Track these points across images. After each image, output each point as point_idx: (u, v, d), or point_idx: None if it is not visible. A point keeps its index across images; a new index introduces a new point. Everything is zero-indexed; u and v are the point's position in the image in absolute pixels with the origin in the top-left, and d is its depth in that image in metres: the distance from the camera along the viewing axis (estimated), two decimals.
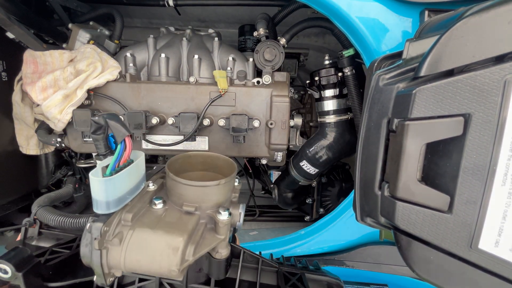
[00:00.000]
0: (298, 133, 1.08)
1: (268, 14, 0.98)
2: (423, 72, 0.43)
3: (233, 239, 0.60)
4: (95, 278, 0.46)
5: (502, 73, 0.38)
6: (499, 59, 0.39)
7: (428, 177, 0.44)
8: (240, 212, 0.53)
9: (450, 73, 0.42)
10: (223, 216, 0.48)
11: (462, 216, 0.42)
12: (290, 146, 1.06)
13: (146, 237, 0.44)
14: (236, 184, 0.59)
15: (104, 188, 0.45)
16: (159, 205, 0.51)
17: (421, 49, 0.53)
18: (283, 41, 0.92)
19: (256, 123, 0.89)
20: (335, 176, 1.21)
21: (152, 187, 0.56)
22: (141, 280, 0.54)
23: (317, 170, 1.06)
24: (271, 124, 0.91)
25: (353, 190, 0.59)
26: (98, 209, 0.45)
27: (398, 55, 0.60)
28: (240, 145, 0.95)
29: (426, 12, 0.67)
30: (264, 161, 1.02)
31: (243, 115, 0.88)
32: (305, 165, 1.06)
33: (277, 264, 0.60)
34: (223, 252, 0.50)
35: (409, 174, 0.44)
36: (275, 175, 1.33)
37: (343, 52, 0.92)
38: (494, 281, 0.42)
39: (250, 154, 0.98)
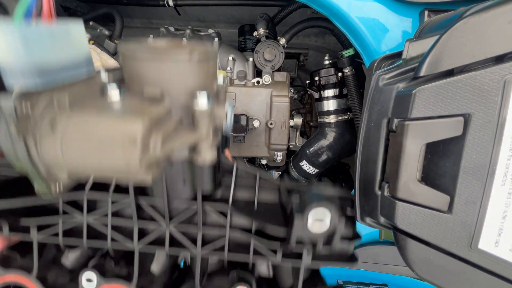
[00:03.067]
0: (298, 133, 1.08)
1: (268, 14, 0.98)
2: (423, 72, 0.43)
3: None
4: (35, 186, 0.34)
5: (502, 73, 0.38)
6: (499, 59, 0.39)
7: (428, 177, 0.44)
8: (226, 111, 0.39)
9: (450, 73, 0.42)
10: (200, 101, 0.34)
11: (462, 216, 0.42)
12: (290, 146, 1.07)
13: (91, 122, 0.30)
14: (220, 81, 0.44)
15: (15, 42, 0.29)
16: (113, 92, 0.34)
17: (421, 49, 0.53)
18: (283, 41, 0.92)
19: (256, 123, 0.89)
20: (335, 176, 1.21)
21: (105, 75, 0.41)
22: (112, 202, 0.45)
23: (317, 170, 1.06)
24: (271, 124, 0.91)
25: (353, 190, 0.59)
26: (9, 78, 0.31)
27: (398, 55, 0.60)
28: (240, 145, 0.95)
29: (426, 12, 0.67)
30: (264, 161, 1.02)
31: (243, 115, 0.88)
32: (305, 165, 1.06)
33: (277, 181, 0.52)
34: (207, 155, 0.39)
35: (409, 174, 0.44)
36: (275, 175, 1.33)
37: (343, 52, 0.92)
38: (494, 281, 0.42)
39: (250, 154, 0.98)
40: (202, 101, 0.35)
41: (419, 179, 0.45)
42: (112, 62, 0.91)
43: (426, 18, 0.67)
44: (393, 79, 0.51)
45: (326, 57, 1.01)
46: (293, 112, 1.10)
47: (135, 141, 0.29)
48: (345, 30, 0.80)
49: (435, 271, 0.46)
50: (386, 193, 0.48)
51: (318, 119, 1.05)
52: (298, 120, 1.04)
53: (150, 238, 0.46)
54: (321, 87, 1.00)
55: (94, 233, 0.47)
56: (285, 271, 0.50)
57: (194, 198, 0.45)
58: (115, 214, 0.47)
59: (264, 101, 0.92)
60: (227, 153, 0.52)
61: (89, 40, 0.98)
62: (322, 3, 0.77)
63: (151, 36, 0.98)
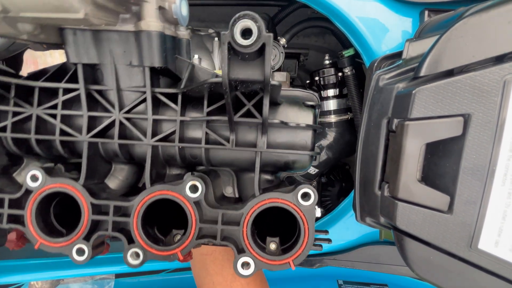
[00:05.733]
0: None
1: (268, 14, 0.98)
2: (423, 72, 0.43)
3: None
4: None
5: (502, 73, 0.38)
6: (499, 59, 0.39)
7: (428, 177, 0.44)
8: None
9: (450, 73, 0.42)
10: None
11: (462, 216, 0.42)
12: None
13: None
14: None
15: None
16: None
17: (421, 49, 0.53)
18: (283, 41, 0.92)
19: None
20: (335, 176, 1.21)
21: None
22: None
23: (317, 170, 1.06)
24: None
25: (353, 190, 0.59)
26: None
27: (398, 55, 0.60)
28: None
29: (426, 12, 0.67)
30: None
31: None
32: None
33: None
34: (152, 21, 0.40)
35: (409, 174, 0.44)
36: None
37: (343, 52, 0.92)
38: (494, 281, 0.42)
39: None
40: None
41: (419, 179, 0.45)
42: None
43: (426, 18, 0.67)
44: (393, 79, 0.51)
45: (326, 57, 1.01)
46: None
47: None
48: (345, 30, 0.80)
49: (435, 271, 0.46)
50: (386, 193, 0.48)
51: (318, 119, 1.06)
52: None
53: (99, 128, 0.44)
54: (321, 87, 1.00)
55: (47, 126, 0.45)
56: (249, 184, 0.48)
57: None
58: (68, 107, 0.45)
59: None
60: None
61: None
62: (322, 3, 0.77)
63: None
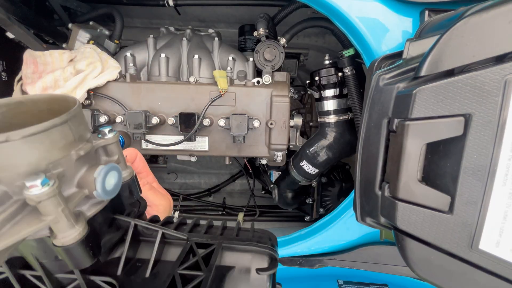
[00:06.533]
0: (298, 133, 1.08)
1: (268, 14, 0.98)
2: (423, 72, 0.43)
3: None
4: None
5: (503, 73, 0.38)
6: (500, 59, 0.39)
7: (429, 177, 0.44)
8: (95, 177, 0.34)
9: (450, 73, 0.42)
10: (32, 187, 0.29)
11: (462, 216, 0.42)
12: (290, 146, 1.06)
13: None
14: (108, 136, 0.38)
15: None
16: None
17: (421, 49, 0.53)
18: (283, 41, 0.92)
19: (256, 123, 0.89)
20: (335, 176, 1.21)
21: None
22: None
23: (317, 170, 1.06)
24: (271, 124, 0.91)
25: (353, 190, 0.59)
26: None
27: (398, 55, 0.60)
28: (240, 145, 0.95)
29: (426, 12, 0.67)
30: (264, 161, 1.02)
31: (243, 115, 0.88)
32: (305, 165, 1.06)
33: (185, 235, 0.45)
34: (65, 236, 0.33)
35: (409, 174, 0.44)
36: (275, 175, 1.33)
37: (343, 52, 0.92)
38: (494, 282, 0.42)
39: (250, 154, 0.98)
40: (33, 188, 0.29)
41: (420, 179, 0.44)
42: (112, 62, 0.91)
43: (426, 18, 0.67)
44: (394, 79, 0.51)
45: (326, 57, 1.01)
46: (293, 112, 1.10)
47: None
48: (346, 30, 0.80)
49: (436, 271, 0.46)
50: (386, 193, 0.48)
51: (318, 119, 1.05)
52: (298, 120, 1.04)
53: None
54: (321, 87, 1.00)
55: None
56: None
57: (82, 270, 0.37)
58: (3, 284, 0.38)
59: (264, 101, 0.92)
60: (154, 181, 0.48)
61: (89, 40, 0.98)
62: (322, 3, 0.77)
63: (151, 36, 0.98)
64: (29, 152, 0.30)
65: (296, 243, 0.97)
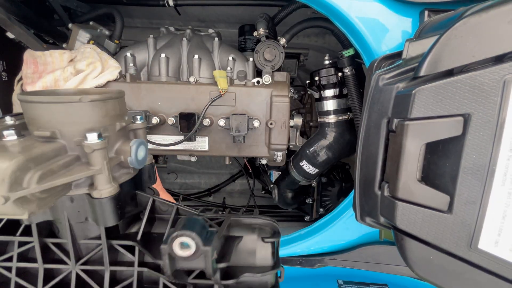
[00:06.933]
0: (298, 133, 1.08)
1: (268, 14, 0.98)
2: (422, 72, 0.43)
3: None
4: None
5: (502, 73, 0.38)
6: (499, 59, 0.39)
7: (428, 177, 0.44)
8: (131, 146, 0.43)
9: (449, 73, 0.42)
10: (90, 138, 0.37)
11: (462, 216, 0.42)
12: (290, 146, 1.07)
13: None
14: (138, 122, 0.48)
15: None
16: (9, 137, 0.37)
17: (421, 49, 0.53)
18: (283, 41, 0.92)
19: (256, 123, 0.89)
20: (335, 176, 1.21)
21: (10, 121, 0.43)
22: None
23: (317, 170, 1.06)
24: (271, 124, 0.91)
25: (353, 190, 0.59)
26: None
27: (398, 55, 0.60)
28: (240, 145, 0.95)
29: (426, 12, 0.67)
30: (264, 161, 1.02)
31: (243, 115, 0.88)
32: (305, 165, 1.06)
33: (197, 211, 0.50)
34: (104, 189, 0.40)
35: (409, 174, 0.44)
36: (275, 175, 1.33)
37: (343, 52, 0.92)
38: (493, 281, 0.42)
39: (250, 154, 0.98)
40: (91, 139, 0.37)
41: (419, 179, 0.45)
42: (112, 62, 0.91)
43: (426, 18, 0.67)
44: (393, 79, 0.51)
45: (326, 57, 1.01)
46: (293, 112, 1.10)
47: (3, 179, 0.31)
48: (345, 30, 0.80)
49: (435, 271, 0.46)
50: (386, 193, 0.48)
51: (318, 119, 1.05)
52: (298, 120, 1.04)
53: (55, 281, 0.43)
54: (321, 87, 1.00)
55: (2, 279, 0.44)
56: None
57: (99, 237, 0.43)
58: (24, 259, 0.44)
59: (264, 101, 0.92)
60: (158, 185, 0.52)
61: (89, 40, 0.98)
62: (322, 3, 0.77)
63: (151, 36, 0.98)
64: (92, 114, 0.40)
65: (296, 243, 0.97)
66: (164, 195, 0.56)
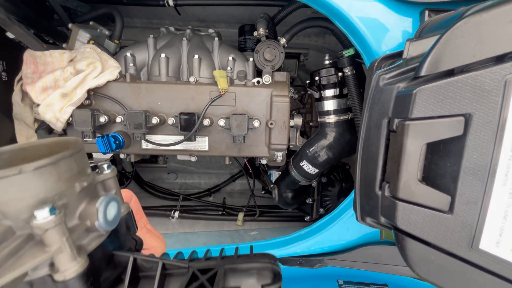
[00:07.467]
0: (298, 133, 1.08)
1: (268, 14, 0.98)
2: (423, 72, 0.43)
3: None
4: None
5: (503, 73, 0.38)
6: (500, 59, 0.39)
7: (429, 177, 0.44)
8: (97, 207, 0.36)
9: (450, 73, 0.42)
10: (40, 216, 0.31)
11: (462, 216, 0.42)
12: (290, 146, 1.06)
13: None
14: (106, 171, 0.40)
15: None
16: None
17: (421, 49, 0.53)
18: (283, 41, 0.92)
19: (256, 123, 0.89)
20: (335, 176, 1.21)
21: None
22: None
23: (317, 170, 1.06)
24: (271, 124, 0.91)
25: (353, 190, 0.59)
26: None
27: (398, 55, 0.60)
28: (240, 145, 0.95)
29: (426, 12, 0.67)
30: (264, 161, 1.02)
31: (243, 115, 0.88)
32: (305, 165, 1.06)
33: (186, 264, 0.47)
34: (67, 269, 0.33)
35: (409, 174, 0.44)
36: (275, 175, 1.33)
37: (343, 52, 0.92)
38: (495, 282, 0.42)
39: (250, 154, 0.98)
40: (41, 216, 0.30)
41: (420, 179, 0.44)
42: (112, 62, 0.91)
43: (426, 18, 0.67)
44: (394, 79, 0.51)
45: (326, 57, 1.01)
46: (293, 112, 1.10)
47: None
48: (346, 30, 0.80)
49: (436, 271, 0.46)
50: (386, 193, 0.48)
51: (318, 119, 1.05)
52: (298, 120, 1.04)
53: None
54: (321, 87, 1.00)
55: None
56: None
57: None
58: None
59: (264, 101, 0.92)
60: (142, 228, 0.45)
61: (89, 40, 0.98)
62: (322, 3, 0.77)
63: (151, 36, 0.98)
64: (39, 184, 0.31)
65: (296, 243, 0.97)
66: (151, 237, 0.51)
